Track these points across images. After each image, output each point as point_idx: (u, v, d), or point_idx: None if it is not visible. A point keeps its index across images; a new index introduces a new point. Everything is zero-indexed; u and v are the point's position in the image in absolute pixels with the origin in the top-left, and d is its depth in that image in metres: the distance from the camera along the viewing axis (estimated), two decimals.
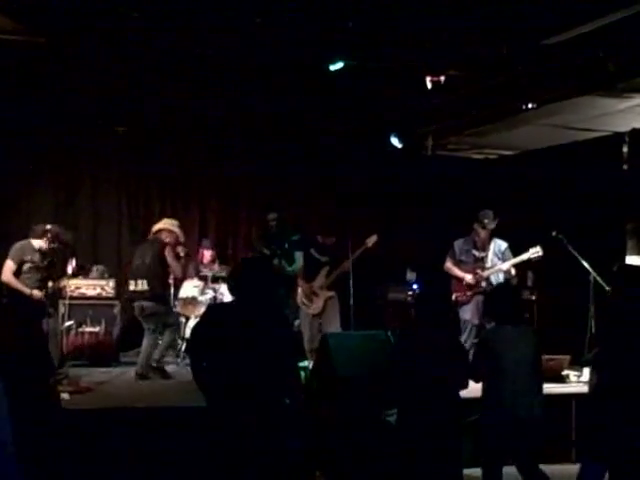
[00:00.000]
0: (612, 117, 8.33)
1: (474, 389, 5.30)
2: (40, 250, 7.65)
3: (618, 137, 8.95)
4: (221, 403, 4.27)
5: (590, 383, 5.06)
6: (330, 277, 8.98)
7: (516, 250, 8.45)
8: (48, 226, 7.75)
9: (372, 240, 8.94)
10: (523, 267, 8.90)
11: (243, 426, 4.18)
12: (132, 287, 8.44)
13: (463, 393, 5.20)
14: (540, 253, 8.19)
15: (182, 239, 8.79)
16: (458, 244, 8.53)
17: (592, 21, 6.27)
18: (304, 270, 9.23)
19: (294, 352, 4.68)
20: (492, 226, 8.37)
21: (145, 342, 8.46)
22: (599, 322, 7.47)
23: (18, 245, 7.67)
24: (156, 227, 8.72)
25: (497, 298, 5.59)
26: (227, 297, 9.12)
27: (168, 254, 8.38)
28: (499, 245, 8.45)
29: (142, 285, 8.33)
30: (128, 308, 9.04)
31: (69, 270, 8.48)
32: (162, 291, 8.63)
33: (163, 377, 8.35)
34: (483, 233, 8.38)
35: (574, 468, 5.22)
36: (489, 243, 8.43)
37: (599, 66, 6.98)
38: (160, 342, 8.52)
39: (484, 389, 5.19)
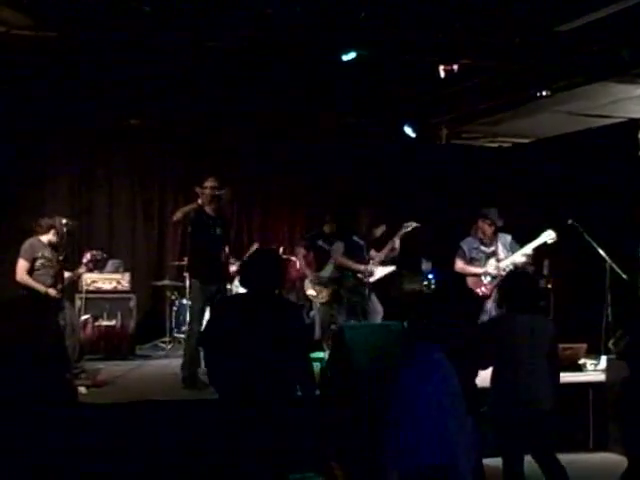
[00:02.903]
0: (627, 103, 8.29)
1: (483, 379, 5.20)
2: (51, 244, 7.62)
3: (633, 123, 8.90)
4: (231, 396, 4.28)
5: (606, 372, 5.02)
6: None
7: (530, 239, 8.40)
8: (52, 219, 7.69)
9: (411, 225, 8.77)
10: (539, 255, 8.85)
11: (251, 420, 4.17)
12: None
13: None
14: (553, 235, 8.14)
15: None
16: (466, 244, 8.48)
17: (606, 7, 6.22)
18: (313, 260, 9.32)
19: (306, 344, 4.65)
20: (500, 224, 8.34)
21: None
22: (627, 312, 7.38)
23: (28, 243, 7.56)
24: None
25: (512, 285, 5.45)
26: (241, 290, 9.14)
27: None
28: (504, 237, 8.41)
29: None
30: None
31: (83, 262, 8.46)
32: None
33: None
34: (490, 230, 8.34)
35: (591, 456, 5.20)
36: (495, 237, 8.39)
37: (613, 52, 6.94)
38: None
39: (496, 379, 5.05)
